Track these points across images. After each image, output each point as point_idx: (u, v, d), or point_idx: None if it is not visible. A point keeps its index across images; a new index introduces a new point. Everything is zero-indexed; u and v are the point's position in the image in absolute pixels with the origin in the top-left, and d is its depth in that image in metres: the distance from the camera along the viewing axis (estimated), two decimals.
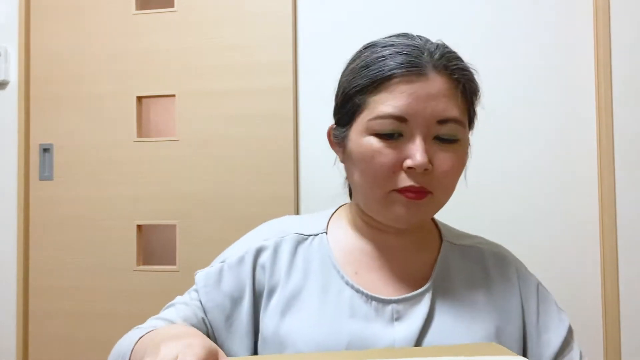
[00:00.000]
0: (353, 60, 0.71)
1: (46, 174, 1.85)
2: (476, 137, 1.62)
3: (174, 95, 1.78)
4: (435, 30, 1.64)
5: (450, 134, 0.65)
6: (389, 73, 0.65)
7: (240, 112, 1.74)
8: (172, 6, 1.80)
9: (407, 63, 0.64)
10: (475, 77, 0.70)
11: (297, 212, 1.69)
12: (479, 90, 0.71)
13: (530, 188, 1.59)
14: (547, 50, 1.60)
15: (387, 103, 0.64)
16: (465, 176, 0.71)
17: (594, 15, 1.57)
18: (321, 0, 1.71)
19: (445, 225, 0.82)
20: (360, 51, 0.71)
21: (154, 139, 1.80)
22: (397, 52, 0.66)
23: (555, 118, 1.59)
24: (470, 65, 0.70)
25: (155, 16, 1.81)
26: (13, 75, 1.87)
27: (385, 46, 0.68)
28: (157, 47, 1.79)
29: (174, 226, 1.77)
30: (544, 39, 1.60)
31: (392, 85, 0.65)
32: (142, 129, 1.83)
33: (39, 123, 1.86)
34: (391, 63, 0.65)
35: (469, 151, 0.70)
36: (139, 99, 1.82)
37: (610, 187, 1.53)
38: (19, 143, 1.84)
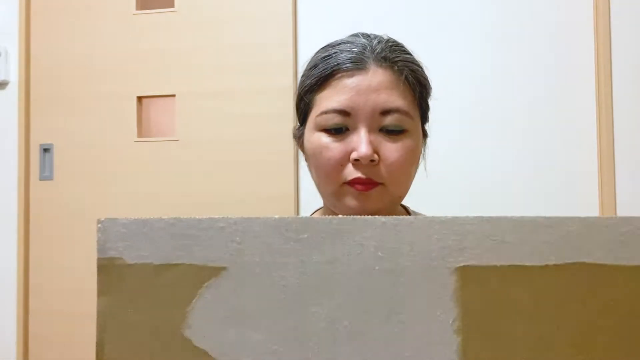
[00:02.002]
0: (306, 62, 0.75)
1: (46, 174, 1.86)
2: (476, 137, 1.64)
3: (174, 95, 1.80)
4: (435, 30, 1.66)
5: (395, 124, 0.67)
6: (331, 70, 0.68)
7: (240, 112, 1.76)
8: (172, 6, 1.81)
9: (348, 59, 0.68)
10: (425, 72, 0.74)
11: (297, 212, 1.71)
12: (427, 82, 0.73)
13: (530, 188, 1.61)
14: (547, 50, 1.61)
15: (331, 98, 0.68)
16: (425, 167, 0.75)
17: (594, 15, 1.59)
18: (321, 0, 1.72)
19: (418, 214, 0.83)
20: (314, 53, 0.75)
21: (154, 139, 1.82)
22: (341, 50, 0.69)
23: (555, 118, 1.60)
24: (415, 58, 0.73)
25: (155, 16, 1.82)
26: (13, 75, 1.89)
27: (332, 46, 0.71)
28: (157, 47, 1.81)
29: None
30: (544, 39, 1.61)
31: (335, 81, 0.68)
32: (142, 129, 1.85)
33: (39, 123, 1.88)
34: (334, 61, 0.68)
35: (421, 143, 0.73)
36: (139, 99, 1.83)
37: (611, 188, 1.54)
38: (19, 143, 1.86)
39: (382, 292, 0.33)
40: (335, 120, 0.67)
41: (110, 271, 0.33)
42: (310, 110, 0.71)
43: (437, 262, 0.33)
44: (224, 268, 0.33)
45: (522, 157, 1.62)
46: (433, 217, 0.34)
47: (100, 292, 0.33)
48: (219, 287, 0.33)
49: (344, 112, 0.66)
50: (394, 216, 0.34)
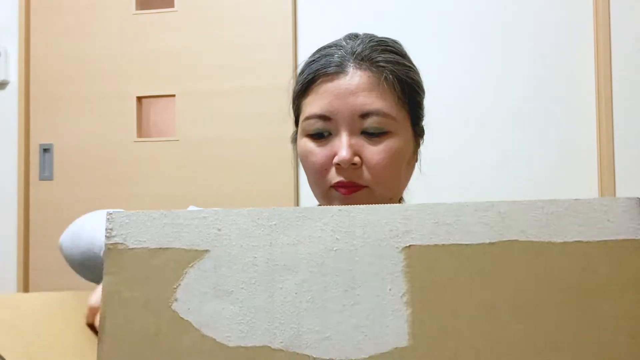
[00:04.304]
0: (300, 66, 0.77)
1: (46, 174, 1.88)
2: (476, 137, 1.65)
3: (174, 95, 1.83)
4: (435, 30, 1.68)
5: (375, 127, 0.67)
6: (313, 75, 0.70)
7: (240, 112, 1.77)
8: (172, 6, 1.84)
9: (329, 63, 0.69)
10: (413, 70, 0.73)
11: None
12: (413, 81, 0.72)
13: (530, 188, 1.62)
14: (547, 50, 1.62)
15: (313, 104, 0.69)
16: (420, 169, 0.77)
17: (594, 15, 1.60)
18: (321, 1, 1.74)
19: None
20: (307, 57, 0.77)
21: (154, 139, 1.84)
22: (324, 54, 0.71)
23: (555, 118, 1.62)
24: (402, 57, 0.72)
25: (155, 16, 1.85)
26: (13, 75, 1.91)
27: (319, 50, 0.73)
28: (157, 47, 1.83)
29: None
30: (544, 39, 1.63)
31: (316, 87, 0.70)
32: (142, 129, 1.87)
33: (39, 123, 1.90)
34: (316, 66, 0.70)
35: (412, 142, 0.73)
36: (139, 99, 1.86)
37: (611, 188, 1.55)
38: (19, 143, 1.89)
39: (339, 270, 0.38)
40: (317, 125, 0.68)
41: (114, 254, 0.39)
42: (299, 116, 0.73)
43: (386, 243, 0.38)
44: (206, 251, 0.39)
45: (521, 158, 1.63)
46: (382, 205, 0.39)
47: (106, 273, 0.39)
48: (202, 266, 0.39)
49: (324, 117, 0.68)
50: (350, 205, 0.40)
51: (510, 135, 1.65)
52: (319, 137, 0.69)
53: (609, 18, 1.59)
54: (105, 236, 0.39)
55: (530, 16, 1.65)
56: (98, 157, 1.88)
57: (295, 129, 0.79)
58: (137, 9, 1.88)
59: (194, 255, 0.39)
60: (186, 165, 1.82)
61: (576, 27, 1.63)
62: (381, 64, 0.69)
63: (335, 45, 0.72)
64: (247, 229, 0.39)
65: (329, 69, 0.68)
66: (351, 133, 0.67)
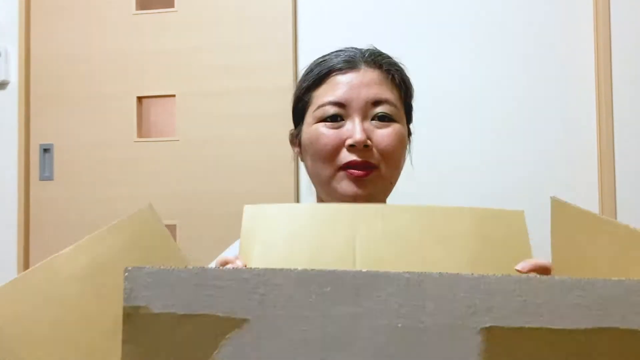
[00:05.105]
0: (302, 73, 0.86)
1: (46, 174, 1.89)
2: (477, 138, 1.65)
3: (174, 95, 1.83)
4: (434, 30, 1.68)
5: (385, 112, 0.77)
6: (327, 70, 0.79)
7: (240, 112, 1.78)
8: (172, 6, 1.85)
9: (342, 61, 0.79)
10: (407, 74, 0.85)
11: None
12: (410, 85, 0.84)
13: (529, 189, 1.62)
14: (547, 50, 1.63)
15: (327, 94, 0.78)
16: (411, 162, 0.84)
17: (594, 15, 1.61)
18: (321, 1, 1.74)
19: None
20: (309, 64, 0.87)
21: (154, 139, 1.84)
22: (335, 55, 0.82)
23: (555, 118, 1.62)
24: (401, 65, 0.84)
25: (155, 16, 1.85)
26: (13, 75, 1.92)
27: (325, 55, 0.84)
28: (157, 47, 1.84)
29: (174, 226, 1.81)
30: (544, 39, 1.63)
31: (330, 79, 0.79)
32: (142, 129, 1.88)
33: (39, 123, 1.91)
34: (328, 63, 0.80)
35: (408, 139, 0.83)
36: (139, 99, 1.86)
37: (611, 189, 1.56)
38: (19, 143, 1.89)
39: (404, 351, 0.32)
40: (331, 111, 0.76)
41: (136, 320, 0.33)
42: (308, 108, 0.81)
43: (462, 322, 0.32)
44: (246, 320, 0.33)
45: (521, 158, 1.64)
46: (459, 274, 0.33)
47: (126, 340, 0.33)
48: (240, 339, 0.33)
49: (339, 104, 0.76)
50: (419, 272, 0.33)
51: (510, 135, 1.65)
52: (332, 120, 0.76)
53: (609, 18, 1.60)
54: (124, 297, 0.33)
55: (530, 16, 1.66)
56: (98, 157, 1.88)
57: (293, 130, 0.86)
58: (137, 9, 1.89)
59: (231, 324, 0.33)
60: (186, 165, 1.82)
61: (576, 27, 1.64)
62: (386, 66, 0.80)
63: (342, 49, 0.82)
64: (296, 295, 0.33)
65: (343, 64, 0.78)
66: (363, 119, 0.76)
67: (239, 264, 0.57)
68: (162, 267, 0.33)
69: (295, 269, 0.32)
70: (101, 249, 0.51)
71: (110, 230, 0.53)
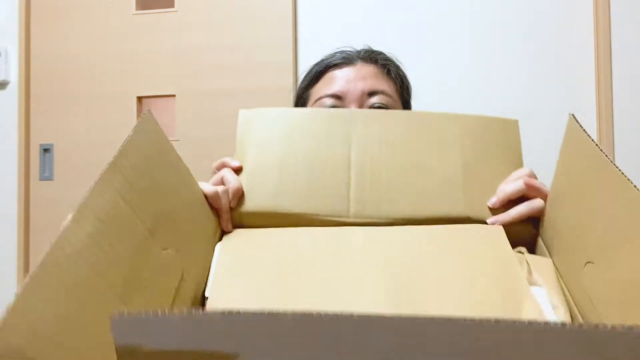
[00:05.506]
0: (303, 76, 0.90)
1: (46, 174, 1.89)
2: None
3: (174, 95, 1.83)
4: (434, 29, 1.68)
5: (381, 102, 0.79)
6: (324, 66, 0.83)
7: None
8: (172, 6, 1.85)
9: (338, 58, 0.83)
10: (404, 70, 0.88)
11: None
12: (406, 80, 0.86)
13: None
14: (547, 50, 1.63)
15: (323, 88, 0.82)
16: None
17: (594, 15, 1.61)
18: (321, 1, 1.75)
19: None
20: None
21: None
22: (331, 55, 0.86)
23: (555, 118, 1.62)
24: (397, 63, 0.86)
25: (155, 16, 1.85)
26: (13, 75, 1.92)
27: (325, 56, 0.87)
28: (157, 47, 1.84)
29: None
30: (544, 39, 1.63)
31: (327, 75, 0.83)
32: None
33: (39, 123, 1.91)
34: (327, 61, 0.84)
35: None
36: (139, 99, 1.87)
37: None
38: (19, 143, 1.89)
39: None
40: (329, 103, 0.79)
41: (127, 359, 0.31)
42: (307, 104, 0.85)
43: None
44: (236, 355, 0.30)
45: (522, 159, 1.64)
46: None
47: None
48: None
49: (336, 96, 0.79)
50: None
51: None
52: None
53: (609, 18, 1.60)
54: (114, 337, 0.31)
55: (530, 16, 1.66)
56: (98, 157, 1.88)
57: None
58: (137, 9, 1.89)
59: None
60: (186, 165, 1.82)
61: (576, 27, 1.64)
62: (383, 61, 0.83)
63: (340, 50, 0.85)
64: (289, 335, 0.29)
65: (339, 60, 0.82)
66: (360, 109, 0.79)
67: (235, 164, 0.63)
68: (151, 311, 0.31)
69: (289, 311, 0.28)
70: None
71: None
